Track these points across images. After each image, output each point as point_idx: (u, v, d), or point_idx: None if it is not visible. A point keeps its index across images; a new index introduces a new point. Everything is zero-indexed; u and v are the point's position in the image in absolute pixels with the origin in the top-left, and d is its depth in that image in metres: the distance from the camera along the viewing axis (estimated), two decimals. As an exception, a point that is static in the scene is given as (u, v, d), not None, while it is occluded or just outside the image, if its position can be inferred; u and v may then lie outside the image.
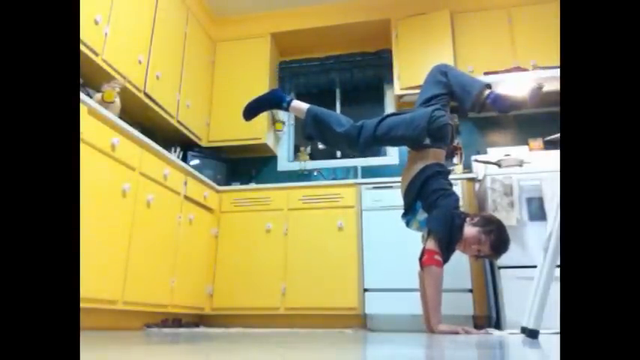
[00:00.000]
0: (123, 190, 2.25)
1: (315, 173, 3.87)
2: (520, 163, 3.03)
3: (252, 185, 3.45)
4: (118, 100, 2.49)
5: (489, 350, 1.11)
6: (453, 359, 0.86)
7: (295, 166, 4.01)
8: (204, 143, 3.80)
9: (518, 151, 3.43)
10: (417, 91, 2.54)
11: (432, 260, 2.11)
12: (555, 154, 3.40)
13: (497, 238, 2.12)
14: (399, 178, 2.49)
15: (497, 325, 2.66)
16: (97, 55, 2.50)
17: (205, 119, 3.85)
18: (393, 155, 3.88)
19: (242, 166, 4.05)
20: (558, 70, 3.19)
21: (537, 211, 2.65)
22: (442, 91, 2.36)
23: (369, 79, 4.08)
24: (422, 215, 2.26)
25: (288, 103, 2.45)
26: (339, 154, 4.01)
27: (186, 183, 2.91)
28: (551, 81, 3.25)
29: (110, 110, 2.31)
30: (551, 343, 1.43)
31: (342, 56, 4.13)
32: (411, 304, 2.73)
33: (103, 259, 2.09)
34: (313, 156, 4.00)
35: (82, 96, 1.96)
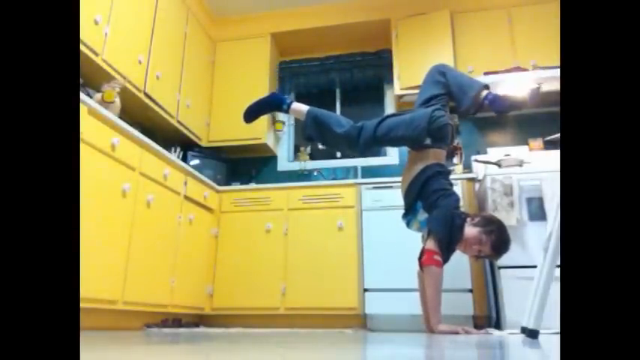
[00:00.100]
0: (123, 190, 2.25)
1: (315, 173, 3.87)
2: (520, 163, 3.03)
3: (252, 185, 3.45)
4: (118, 100, 2.49)
5: (489, 350, 1.11)
6: (452, 359, 0.86)
7: (295, 166, 4.01)
8: (204, 143, 3.80)
9: (518, 151, 3.43)
10: (417, 91, 2.54)
11: (432, 260, 2.11)
12: (555, 154, 3.40)
13: (498, 238, 2.12)
14: (399, 178, 2.49)
15: (497, 325, 2.66)
16: (97, 55, 2.50)
17: (205, 119, 3.85)
18: (393, 155, 3.88)
19: (242, 166, 4.05)
20: (558, 70, 3.19)
21: (537, 211, 2.65)
22: (441, 92, 2.36)
23: (369, 79, 4.08)
24: (422, 215, 2.26)
25: (288, 106, 2.46)
26: (339, 154, 4.01)
27: (186, 183, 2.91)
28: (551, 81, 3.25)
29: (110, 110, 2.31)
30: (551, 343, 1.43)
31: (342, 56, 4.13)
32: (411, 304, 2.73)
33: (103, 259, 2.09)
34: (313, 156, 4.00)
35: (82, 96, 1.96)
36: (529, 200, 2.68)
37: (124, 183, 2.26)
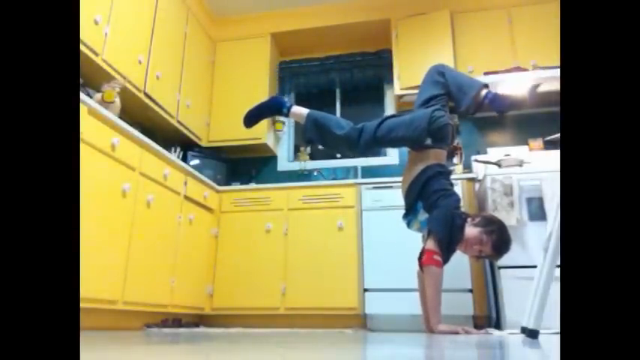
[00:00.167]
0: (123, 190, 2.25)
1: (315, 173, 3.87)
2: (520, 163, 3.03)
3: (252, 185, 3.45)
4: (118, 100, 2.49)
5: (489, 350, 1.11)
6: (453, 359, 0.86)
7: (295, 166, 4.01)
8: (204, 143, 3.80)
9: (518, 151, 3.43)
10: (417, 91, 2.54)
11: (432, 260, 2.11)
12: (555, 154, 3.40)
13: (499, 238, 2.12)
14: (399, 178, 2.49)
15: (497, 325, 2.66)
16: (97, 55, 2.50)
17: (205, 119, 3.85)
18: (393, 155, 3.88)
19: (242, 166, 4.05)
20: (558, 70, 3.19)
21: (537, 211, 2.65)
22: (440, 92, 2.36)
23: (369, 79, 4.08)
24: (423, 216, 2.26)
25: (288, 109, 2.46)
26: (339, 154, 4.01)
27: (186, 183, 2.91)
28: (551, 81, 3.25)
29: (110, 110, 2.31)
30: (551, 343, 1.43)
31: (342, 56, 4.13)
32: (411, 304, 2.73)
33: (103, 259, 2.09)
34: (313, 156, 4.00)
35: (82, 96, 1.96)
36: (529, 200, 2.68)
37: (124, 183, 2.26)
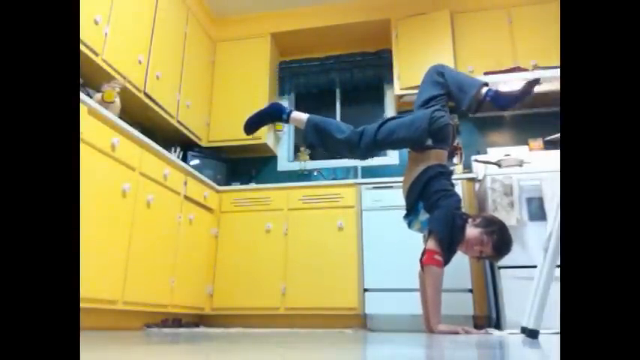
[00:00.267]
0: (123, 190, 2.25)
1: (315, 173, 3.87)
2: (520, 163, 3.03)
3: (252, 185, 3.45)
4: (118, 100, 2.49)
5: (489, 350, 1.11)
6: (453, 359, 0.86)
7: (295, 166, 4.01)
8: (204, 143, 3.80)
9: (518, 151, 3.43)
10: (417, 91, 2.54)
11: (432, 260, 2.11)
12: (555, 154, 3.40)
13: (500, 239, 2.12)
14: (398, 178, 2.49)
15: (497, 325, 2.66)
16: (97, 55, 2.50)
17: (205, 119, 3.85)
18: (393, 155, 3.88)
19: (242, 166, 4.05)
20: (558, 70, 3.19)
21: (537, 211, 2.65)
22: (440, 92, 2.36)
23: (369, 79, 4.08)
24: (424, 216, 2.26)
25: (288, 115, 2.46)
26: (340, 158, 4.01)
27: (186, 183, 2.91)
28: (551, 81, 3.25)
29: (110, 110, 2.32)
30: (551, 343, 1.43)
31: (342, 56, 4.13)
32: (411, 304, 2.73)
33: (103, 259, 2.09)
34: (313, 156, 4.00)
35: (82, 96, 1.96)
36: (529, 200, 2.68)
37: (124, 183, 2.26)
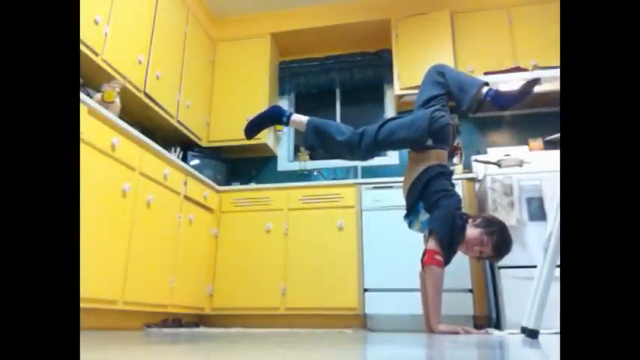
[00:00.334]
0: (123, 190, 2.25)
1: (315, 173, 3.87)
2: (520, 163, 3.03)
3: (252, 185, 3.45)
4: (118, 100, 2.49)
5: (489, 350, 1.11)
6: (453, 359, 0.86)
7: (295, 166, 4.01)
8: (204, 143, 3.80)
9: (518, 151, 3.43)
10: (417, 91, 2.54)
11: (433, 260, 2.11)
12: (555, 154, 3.40)
13: (500, 239, 2.12)
14: (399, 178, 2.49)
15: (497, 325, 2.66)
16: (97, 55, 2.50)
17: (205, 119, 3.85)
18: (393, 155, 3.88)
19: (242, 166, 4.05)
20: (558, 70, 3.19)
21: (537, 211, 2.65)
22: (440, 92, 2.36)
23: (369, 79, 4.08)
24: (424, 216, 2.26)
25: (288, 118, 2.46)
26: (340, 160, 4.01)
27: (186, 183, 2.91)
28: (551, 81, 3.25)
29: (110, 110, 2.32)
30: (551, 343, 1.43)
31: (342, 56, 4.13)
32: (411, 304, 2.73)
33: (103, 259, 2.09)
34: (313, 156, 4.00)
35: (82, 96, 1.96)
36: (529, 200, 2.68)
37: (124, 183, 2.26)
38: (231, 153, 3.97)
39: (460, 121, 3.64)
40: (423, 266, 2.19)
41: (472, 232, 2.15)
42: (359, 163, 3.82)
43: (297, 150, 4.08)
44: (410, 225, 2.37)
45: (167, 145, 3.22)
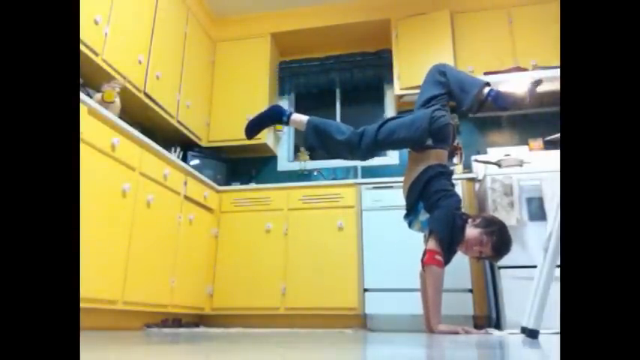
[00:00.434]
0: (123, 190, 2.25)
1: (315, 173, 3.87)
2: (520, 163, 3.03)
3: (252, 185, 3.45)
4: (118, 100, 2.49)
5: (489, 350, 1.11)
6: (453, 359, 0.86)
7: (295, 166, 4.01)
8: (204, 143, 3.80)
9: (518, 151, 3.43)
10: (417, 91, 2.54)
11: (433, 260, 2.11)
12: (555, 154, 3.40)
13: (499, 239, 2.12)
14: (399, 178, 2.49)
15: (497, 325, 2.66)
16: (97, 55, 2.50)
17: (205, 119, 3.85)
18: (393, 155, 3.88)
19: (242, 166, 4.05)
20: (558, 70, 3.19)
21: (537, 211, 2.65)
22: (441, 92, 2.36)
23: (369, 79, 4.08)
24: (424, 216, 2.26)
25: (288, 117, 2.46)
26: (340, 159, 4.01)
27: (186, 183, 2.91)
28: (551, 81, 3.25)
29: (110, 110, 2.31)
30: (551, 343, 1.43)
31: (342, 56, 4.13)
32: (411, 304, 2.73)
33: (103, 259, 2.09)
34: (313, 156, 4.00)
35: (82, 96, 1.96)
36: (529, 200, 2.68)
37: (124, 183, 2.26)
38: (231, 153, 3.97)
39: (460, 121, 3.64)
40: (423, 266, 2.19)
41: (472, 232, 2.15)
42: (359, 163, 3.82)
43: (297, 150, 4.08)
44: (410, 225, 2.37)
45: (167, 145, 3.22)
